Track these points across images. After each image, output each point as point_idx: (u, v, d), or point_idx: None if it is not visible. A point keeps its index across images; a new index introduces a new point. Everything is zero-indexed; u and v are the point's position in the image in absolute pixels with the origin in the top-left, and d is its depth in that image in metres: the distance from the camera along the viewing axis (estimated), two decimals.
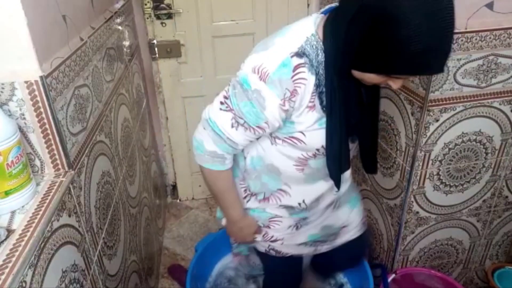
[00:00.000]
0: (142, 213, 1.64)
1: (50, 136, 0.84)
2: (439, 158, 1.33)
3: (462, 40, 1.14)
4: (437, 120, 1.25)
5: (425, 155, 1.31)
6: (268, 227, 1.21)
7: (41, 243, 0.72)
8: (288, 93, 0.89)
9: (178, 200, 2.48)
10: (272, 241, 1.22)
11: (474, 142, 1.33)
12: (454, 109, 1.25)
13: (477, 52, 1.17)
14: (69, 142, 0.90)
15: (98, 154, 1.11)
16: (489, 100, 1.26)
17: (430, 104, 1.22)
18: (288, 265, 1.32)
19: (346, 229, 1.31)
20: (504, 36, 1.16)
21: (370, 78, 0.85)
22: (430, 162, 1.33)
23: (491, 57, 1.18)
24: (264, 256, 1.29)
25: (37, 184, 0.83)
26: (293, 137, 0.99)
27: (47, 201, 0.79)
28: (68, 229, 0.86)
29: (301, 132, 0.97)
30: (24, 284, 0.65)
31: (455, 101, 1.23)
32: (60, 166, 0.87)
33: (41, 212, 0.76)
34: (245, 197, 1.19)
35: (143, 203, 1.67)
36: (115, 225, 1.22)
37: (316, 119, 0.95)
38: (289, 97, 0.89)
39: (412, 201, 1.41)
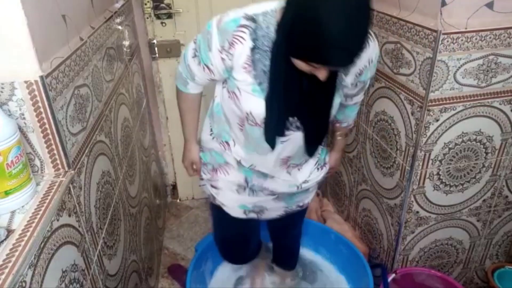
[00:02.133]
0: (142, 213, 1.64)
1: (50, 136, 0.84)
2: (439, 158, 1.33)
3: (462, 40, 1.14)
4: (437, 120, 1.25)
5: (425, 155, 1.31)
6: (216, 171, 1.32)
7: (41, 243, 0.72)
8: (227, 44, 1.01)
9: (178, 200, 2.48)
10: (212, 186, 1.34)
11: (474, 142, 1.33)
12: (454, 108, 1.25)
13: (477, 51, 1.17)
14: (69, 142, 0.90)
15: (98, 154, 1.11)
16: (489, 100, 1.26)
17: (430, 104, 1.22)
18: (231, 222, 1.38)
19: (273, 212, 1.39)
20: (504, 36, 1.16)
21: (298, 64, 0.92)
22: (430, 162, 1.33)
23: (491, 57, 1.18)
24: (210, 205, 1.45)
25: (37, 184, 0.83)
26: (233, 92, 1.10)
27: (47, 201, 0.79)
28: (68, 229, 0.86)
29: (238, 89, 1.08)
30: (24, 284, 0.65)
31: (455, 100, 1.23)
32: (60, 166, 0.87)
33: (41, 212, 0.76)
34: (210, 135, 1.30)
35: (143, 203, 1.67)
36: (115, 225, 1.22)
37: (250, 84, 1.05)
38: (228, 48, 1.02)
39: (412, 201, 1.41)
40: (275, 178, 1.28)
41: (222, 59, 1.05)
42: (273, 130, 1.13)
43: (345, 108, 1.27)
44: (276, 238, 1.67)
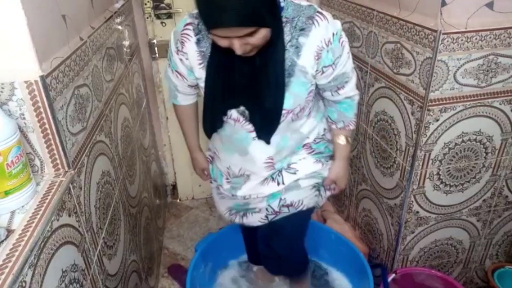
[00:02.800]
0: (142, 213, 1.64)
1: (50, 136, 0.84)
2: (439, 158, 1.33)
3: (462, 40, 1.14)
4: (437, 120, 1.25)
5: (425, 154, 1.31)
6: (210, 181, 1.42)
7: (41, 243, 0.72)
8: (179, 44, 1.08)
9: (178, 200, 2.48)
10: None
11: (474, 142, 1.33)
12: (454, 108, 1.25)
13: (477, 51, 1.17)
14: (69, 142, 0.90)
15: (98, 154, 1.11)
16: (489, 100, 1.26)
17: (430, 103, 1.22)
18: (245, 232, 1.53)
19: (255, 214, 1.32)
20: (504, 36, 1.16)
21: (216, 41, 0.93)
22: (430, 161, 1.33)
23: (491, 57, 1.18)
24: None
25: (37, 184, 0.83)
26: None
27: (47, 201, 0.79)
28: (68, 229, 0.86)
29: (202, 87, 1.12)
30: (24, 284, 0.64)
31: (455, 100, 1.23)
32: (60, 166, 0.87)
33: (41, 212, 0.76)
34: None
35: (143, 203, 1.67)
36: (115, 225, 1.22)
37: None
38: (181, 48, 1.08)
39: (412, 201, 1.41)
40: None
41: (181, 60, 1.12)
42: (210, 119, 1.14)
43: (337, 104, 1.22)
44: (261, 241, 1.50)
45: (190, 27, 1.07)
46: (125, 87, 1.53)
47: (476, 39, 1.14)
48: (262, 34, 0.90)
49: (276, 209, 1.28)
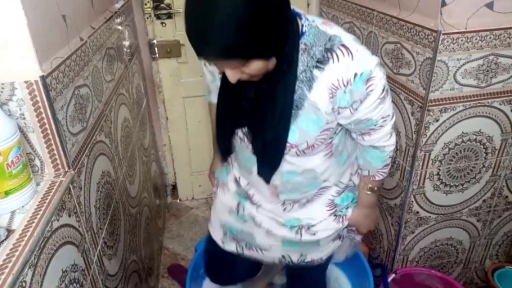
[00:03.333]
0: (142, 213, 1.64)
1: (50, 136, 0.84)
2: (439, 158, 1.33)
3: (462, 40, 1.14)
4: (437, 120, 1.25)
5: (425, 155, 1.31)
6: (218, 187, 1.29)
7: (41, 243, 0.72)
8: None
9: (178, 200, 2.48)
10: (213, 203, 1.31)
11: (474, 142, 1.33)
12: (454, 109, 1.25)
13: (477, 52, 1.17)
14: (69, 142, 0.90)
15: (98, 154, 1.11)
16: (489, 100, 1.26)
17: (430, 104, 1.22)
18: (215, 248, 1.30)
19: (265, 252, 1.22)
20: (504, 36, 1.16)
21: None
22: (430, 162, 1.33)
23: (491, 57, 1.18)
24: None
25: (37, 184, 0.83)
26: None
27: (47, 201, 0.79)
28: (68, 229, 0.86)
29: None
30: (24, 284, 0.65)
31: (455, 101, 1.23)
32: (60, 166, 0.87)
33: (41, 212, 0.76)
34: None
35: (143, 203, 1.67)
36: (115, 225, 1.22)
37: None
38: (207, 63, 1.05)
39: (412, 201, 1.41)
40: (270, 211, 1.15)
41: (204, 64, 1.06)
42: (222, 137, 1.08)
43: (364, 150, 1.10)
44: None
45: None
46: (125, 87, 1.53)
47: (476, 39, 1.14)
48: (256, 66, 0.80)
49: (295, 262, 1.22)
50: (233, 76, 0.83)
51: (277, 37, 0.81)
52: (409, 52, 1.27)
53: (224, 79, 0.94)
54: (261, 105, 0.94)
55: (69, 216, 0.87)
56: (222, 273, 1.43)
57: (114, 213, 1.22)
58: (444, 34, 1.12)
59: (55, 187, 0.83)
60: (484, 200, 1.47)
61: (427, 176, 1.36)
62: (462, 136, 1.30)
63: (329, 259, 1.28)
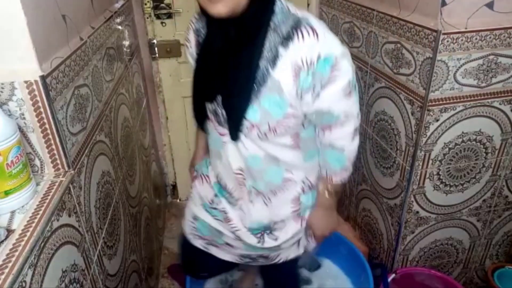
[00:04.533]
0: (142, 213, 1.64)
1: (50, 136, 0.84)
2: (439, 158, 1.33)
3: (462, 40, 1.14)
4: (437, 120, 1.25)
5: (425, 154, 1.31)
6: (196, 178, 1.30)
7: (41, 243, 0.72)
8: (187, 31, 1.11)
9: (178, 200, 2.48)
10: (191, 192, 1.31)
11: (474, 142, 1.33)
12: (454, 108, 1.25)
13: (477, 51, 1.17)
14: (69, 142, 0.90)
15: (98, 154, 1.11)
16: (489, 100, 1.26)
17: (430, 103, 1.22)
18: (186, 241, 1.31)
19: (230, 247, 1.24)
20: (504, 36, 1.16)
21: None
22: (430, 162, 1.33)
23: (491, 57, 1.18)
24: None
25: (37, 184, 0.83)
26: None
27: (47, 201, 0.79)
28: (68, 229, 0.86)
29: None
30: (24, 284, 0.64)
31: (455, 100, 1.23)
32: (60, 166, 0.87)
33: (41, 212, 0.76)
34: None
35: (143, 203, 1.67)
36: (115, 225, 1.22)
37: None
38: (187, 35, 1.11)
39: (412, 201, 1.41)
40: (240, 208, 1.16)
41: (187, 47, 1.12)
42: (196, 109, 1.13)
43: (324, 150, 1.09)
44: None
45: (196, 15, 1.08)
46: (125, 87, 1.53)
47: (476, 39, 1.14)
48: None
49: (254, 256, 1.24)
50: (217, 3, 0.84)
51: None
52: (409, 52, 1.27)
53: (204, 49, 1.03)
54: (228, 70, 0.97)
55: (69, 216, 0.87)
56: (194, 266, 1.42)
57: (114, 213, 1.22)
58: (444, 34, 1.12)
59: (55, 187, 0.83)
60: (484, 200, 1.47)
61: (427, 176, 1.36)
62: (462, 136, 1.30)
63: (294, 261, 1.28)
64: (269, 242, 1.17)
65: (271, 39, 0.91)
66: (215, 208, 1.21)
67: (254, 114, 0.96)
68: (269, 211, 1.15)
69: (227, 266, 1.42)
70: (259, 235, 1.17)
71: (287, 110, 0.96)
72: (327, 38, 0.92)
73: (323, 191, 1.14)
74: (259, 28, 0.91)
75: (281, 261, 1.24)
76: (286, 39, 0.90)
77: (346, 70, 0.94)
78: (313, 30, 0.90)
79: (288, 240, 1.17)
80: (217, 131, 1.07)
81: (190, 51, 1.12)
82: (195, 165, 1.36)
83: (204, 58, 1.02)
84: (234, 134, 1.02)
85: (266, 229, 1.17)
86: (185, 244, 1.33)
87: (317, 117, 1.01)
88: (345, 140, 1.04)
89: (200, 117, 1.13)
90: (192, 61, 1.12)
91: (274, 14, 0.92)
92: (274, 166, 1.08)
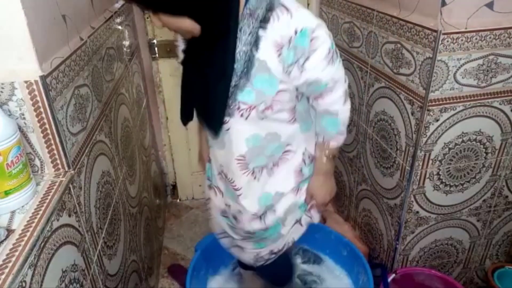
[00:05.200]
0: (142, 213, 1.64)
1: (50, 136, 0.84)
2: (439, 158, 1.33)
3: (462, 40, 1.14)
4: (437, 120, 1.25)
5: (425, 155, 1.31)
6: (210, 188, 1.36)
7: (41, 243, 0.72)
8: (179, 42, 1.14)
9: (178, 200, 2.48)
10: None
11: (474, 142, 1.33)
12: (454, 109, 1.25)
13: (477, 51, 1.17)
14: (69, 142, 0.90)
15: (98, 154, 1.11)
16: (489, 100, 1.26)
17: (430, 104, 1.22)
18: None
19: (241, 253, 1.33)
20: (504, 36, 1.16)
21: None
22: (430, 162, 1.33)
23: (491, 57, 1.18)
24: None
25: (37, 184, 0.83)
26: None
27: (47, 201, 0.79)
28: (68, 229, 0.86)
29: None
30: (24, 284, 0.65)
31: (455, 100, 1.23)
32: (60, 166, 0.87)
33: (41, 212, 0.76)
34: None
35: (143, 203, 1.67)
36: (115, 225, 1.22)
37: None
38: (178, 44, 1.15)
39: (412, 201, 1.41)
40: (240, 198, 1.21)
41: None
42: (182, 111, 1.16)
43: (319, 117, 1.15)
44: None
45: None
46: (125, 87, 1.53)
47: (476, 39, 1.14)
48: (166, 19, 0.92)
49: (266, 258, 1.32)
50: (153, 20, 0.94)
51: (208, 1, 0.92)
52: (409, 52, 1.27)
53: (182, 60, 1.09)
54: (202, 66, 1.04)
55: (69, 216, 0.87)
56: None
57: (114, 213, 1.22)
58: (444, 34, 1.12)
59: (55, 187, 0.83)
60: (484, 200, 1.47)
61: (427, 176, 1.36)
62: (462, 136, 1.30)
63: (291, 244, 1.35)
64: (270, 218, 1.22)
65: (250, 25, 0.97)
66: (226, 216, 1.30)
67: (249, 95, 1.02)
68: (274, 182, 1.20)
69: None
70: (262, 216, 1.23)
71: (278, 87, 1.03)
72: (300, 13, 0.98)
73: (321, 157, 1.20)
74: (225, 32, 0.98)
75: (290, 245, 1.30)
76: (263, 22, 0.97)
77: (323, 39, 1.00)
78: (286, 8, 0.97)
79: (286, 212, 1.23)
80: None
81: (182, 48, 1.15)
82: (203, 156, 1.39)
83: (184, 64, 1.11)
84: (216, 129, 1.09)
85: (269, 207, 1.22)
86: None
87: (307, 88, 1.07)
88: (337, 104, 1.10)
89: (186, 118, 1.17)
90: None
91: (248, 1, 0.98)
92: (275, 142, 1.14)
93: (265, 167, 1.18)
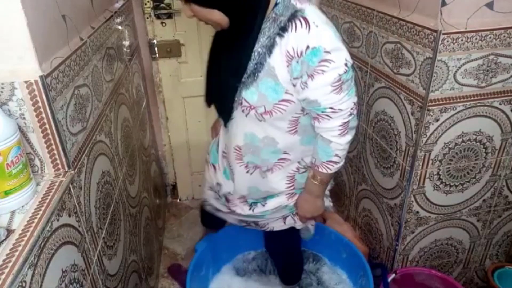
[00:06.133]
0: (142, 213, 1.64)
1: (50, 136, 0.84)
2: (439, 158, 1.33)
3: (462, 40, 1.14)
4: (437, 120, 1.25)
5: (425, 155, 1.31)
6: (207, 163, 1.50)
7: (41, 243, 0.72)
8: None
9: (178, 200, 2.48)
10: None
11: (474, 142, 1.33)
12: (454, 108, 1.25)
13: (477, 51, 1.17)
14: (69, 142, 0.90)
15: (98, 154, 1.11)
16: (489, 100, 1.26)
17: (430, 104, 1.22)
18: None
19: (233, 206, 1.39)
20: (504, 36, 1.16)
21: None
22: (430, 162, 1.33)
23: (491, 57, 1.18)
24: None
25: (37, 184, 0.83)
26: None
27: (47, 201, 0.79)
28: (68, 229, 0.86)
29: None
30: (24, 284, 0.65)
31: (455, 100, 1.23)
32: (60, 166, 0.87)
33: (41, 212, 0.76)
34: None
35: (143, 203, 1.66)
36: (115, 225, 1.22)
37: None
38: None
39: (412, 201, 1.41)
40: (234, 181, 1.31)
41: None
42: (206, 93, 1.22)
43: (316, 138, 1.14)
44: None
45: None
46: (125, 87, 1.53)
47: (476, 39, 1.14)
48: (197, 9, 0.98)
49: (249, 222, 1.42)
50: (184, 9, 1.01)
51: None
52: (409, 52, 1.27)
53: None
54: (222, 59, 1.11)
55: (69, 216, 0.87)
56: (210, 222, 1.69)
57: (114, 213, 1.22)
58: (444, 34, 1.12)
59: (55, 187, 0.83)
60: (484, 200, 1.47)
61: (427, 176, 1.36)
62: (462, 136, 1.30)
63: (295, 233, 1.43)
64: (259, 208, 1.32)
65: (271, 28, 1.00)
66: (218, 196, 1.42)
67: (252, 96, 1.05)
68: (266, 183, 1.26)
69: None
70: (253, 205, 1.33)
71: (282, 96, 1.05)
72: (319, 30, 0.97)
73: (310, 177, 1.21)
74: (250, 30, 1.01)
75: (268, 229, 1.39)
76: (282, 30, 0.98)
77: (337, 65, 0.99)
78: (306, 21, 0.96)
79: (274, 210, 1.30)
80: None
81: None
82: (216, 126, 1.49)
83: (210, 52, 1.18)
84: (225, 117, 1.17)
85: (260, 201, 1.31)
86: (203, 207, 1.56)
87: (307, 106, 1.08)
88: (332, 133, 1.09)
89: (209, 100, 1.23)
90: None
91: (277, 6, 1.01)
92: (271, 147, 1.17)
93: (258, 167, 1.22)
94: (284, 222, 1.37)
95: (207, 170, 1.47)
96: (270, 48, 1.00)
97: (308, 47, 0.96)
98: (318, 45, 0.96)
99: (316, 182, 1.19)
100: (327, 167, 1.14)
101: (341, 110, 1.05)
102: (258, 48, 1.01)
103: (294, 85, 1.03)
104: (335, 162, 1.13)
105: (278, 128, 1.13)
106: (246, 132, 1.15)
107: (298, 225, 1.38)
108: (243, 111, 1.09)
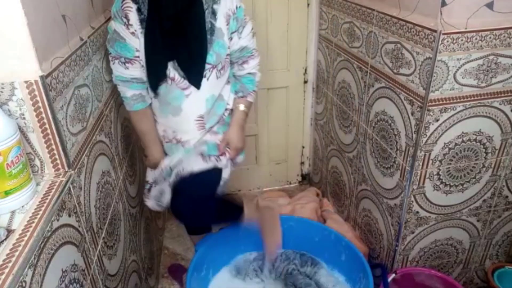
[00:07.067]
0: (142, 213, 1.64)
1: (50, 136, 0.84)
2: (439, 158, 1.33)
3: (462, 40, 1.14)
4: (437, 120, 1.25)
5: (425, 155, 1.31)
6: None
7: (41, 243, 0.72)
8: (125, 19, 1.21)
9: None
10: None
11: (474, 142, 1.33)
12: (454, 109, 1.25)
13: (477, 52, 1.17)
14: (69, 142, 0.90)
15: (98, 154, 1.11)
16: (489, 100, 1.26)
17: (430, 104, 1.22)
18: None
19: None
20: (504, 36, 1.16)
21: None
22: (430, 162, 1.33)
23: (491, 57, 1.18)
24: None
25: (37, 184, 0.83)
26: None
27: (47, 201, 0.79)
28: (68, 229, 0.86)
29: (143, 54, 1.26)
30: (24, 284, 0.65)
31: (455, 101, 1.23)
32: (60, 166, 0.87)
33: (41, 212, 0.76)
34: None
35: (143, 203, 1.66)
36: (115, 225, 1.22)
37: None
38: (127, 21, 1.21)
39: (412, 201, 1.41)
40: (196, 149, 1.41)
41: (132, 33, 1.22)
42: (154, 73, 1.28)
43: (241, 78, 1.45)
44: None
45: None
46: None
47: (476, 39, 1.14)
48: None
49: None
50: None
51: None
52: (409, 52, 1.27)
53: (152, 21, 1.20)
54: (184, 26, 1.24)
55: (69, 216, 0.87)
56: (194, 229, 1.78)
57: (114, 213, 1.22)
58: (444, 34, 1.12)
59: (55, 187, 0.83)
60: (484, 200, 1.47)
61: (427, 176, 1.36)
62: (462, 136, 1.30)
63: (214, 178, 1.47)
64: (208, 137, 1.44)
65: (206, 1, 1.26)
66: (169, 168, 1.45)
67: (212, 57, 1.30)
68: (216, 138, 1.44)
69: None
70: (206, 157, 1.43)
71: (227, 50, 1.34)
72: None
73: (240, 108, 1.46)
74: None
75: (182, 172, 1.41)
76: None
77: (248, 17, 1.37)
78: None
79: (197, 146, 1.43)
80: (179, 87, 1.30)
81: (133, 27, 1.22)
82: (158, 157, 1.46)
83: (157, 25, 1.21)
84: (198, 81, 1.30)
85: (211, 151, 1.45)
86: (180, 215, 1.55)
87: (239, 54, 1.39)
88: (256, 68, 1.46)
89: (156, 81, 1.30)
90: (130, 35, 1.22)
91: None
92: (220, 102, 1.42)
93: (215, 125, 1.42)
94: (206, 162, 1.41)
95: (151, 171, 1.50)
96: (213, 15, 1.27)
97: (236, 6, 1.31)
98: (240, 4, 1.33)
99: (246, 110, 1.47)
100: (253, 95, 1.49)
101: (257, 50, 1.43)
102: (208, 18, 1.25)
103: (231, 39, 1.33)
104: (255, 92, 1.49)
105: (224, 82, 1.39)
106: (207, 96, 1.35)
107: (222, 164, 1.44)
108: (205, 75, 1.30)
